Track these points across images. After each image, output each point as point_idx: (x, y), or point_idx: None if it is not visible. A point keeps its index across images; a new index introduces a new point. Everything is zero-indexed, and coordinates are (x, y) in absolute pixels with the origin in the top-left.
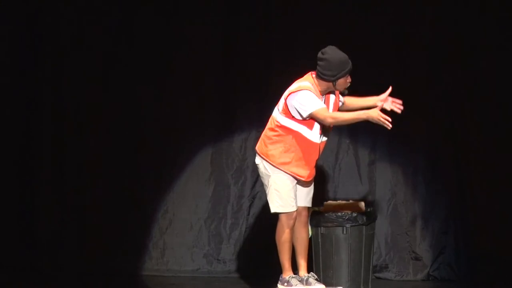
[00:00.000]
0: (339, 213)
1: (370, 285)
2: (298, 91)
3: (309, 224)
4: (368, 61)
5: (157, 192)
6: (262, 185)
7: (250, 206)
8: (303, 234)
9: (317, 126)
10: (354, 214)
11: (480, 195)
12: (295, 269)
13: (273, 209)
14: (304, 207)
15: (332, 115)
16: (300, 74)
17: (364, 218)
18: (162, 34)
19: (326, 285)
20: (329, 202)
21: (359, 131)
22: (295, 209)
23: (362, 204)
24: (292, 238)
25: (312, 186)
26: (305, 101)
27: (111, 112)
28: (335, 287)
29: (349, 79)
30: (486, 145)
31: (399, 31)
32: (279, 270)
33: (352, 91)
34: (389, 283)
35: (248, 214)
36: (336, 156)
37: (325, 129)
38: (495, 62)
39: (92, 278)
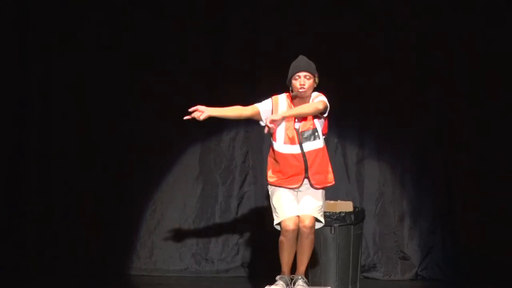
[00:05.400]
0: (327, 213)
1: (358, 284)
2: None
3: None
4: (355, 63)
5: (145, 191)
6: (250, 184)
7: (238, 206)
8: (304, 242)
9: (280, 136)
10: (342, 214)
11: (468, 195)
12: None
13: (274, 224)
14: (308, 216)
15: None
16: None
17: (352, 217)
18: (150, 34)
19: (314, 285)
20: None
21: (348, 131)
22: (285, 217)
23: (350, 203)
24: (289, 246)
25: (319, 195)
26: None
27: (99, 113)
28: (323, 287)
29: (301, 81)
30: (474, 145)
31: (387, 33)
32: (267, 270)
33: (343, 90)
34: (377, 283)
35: (236, 214)
36: None
37: (291, 138)
38: (482, 63)
39: (80, 278)
